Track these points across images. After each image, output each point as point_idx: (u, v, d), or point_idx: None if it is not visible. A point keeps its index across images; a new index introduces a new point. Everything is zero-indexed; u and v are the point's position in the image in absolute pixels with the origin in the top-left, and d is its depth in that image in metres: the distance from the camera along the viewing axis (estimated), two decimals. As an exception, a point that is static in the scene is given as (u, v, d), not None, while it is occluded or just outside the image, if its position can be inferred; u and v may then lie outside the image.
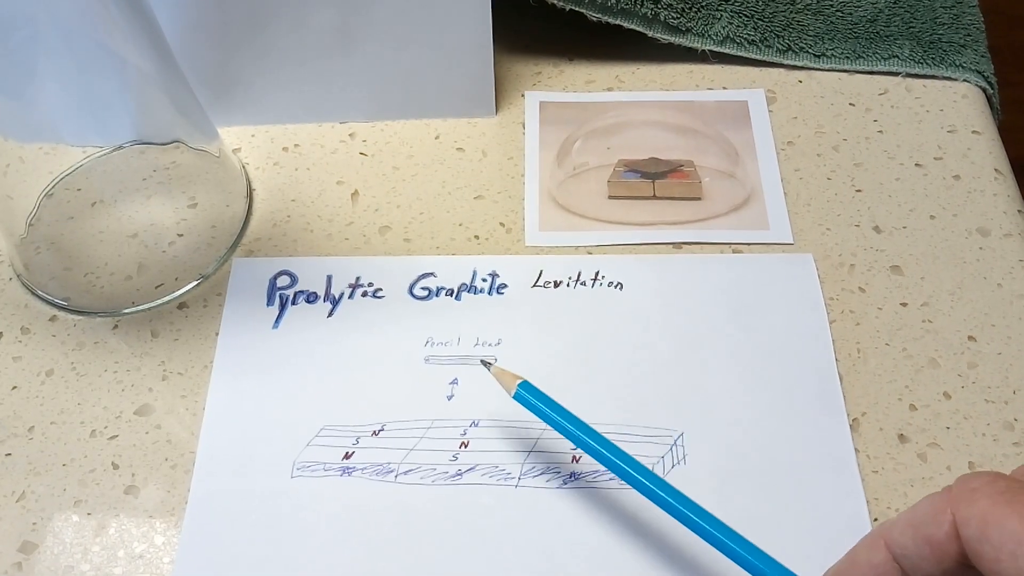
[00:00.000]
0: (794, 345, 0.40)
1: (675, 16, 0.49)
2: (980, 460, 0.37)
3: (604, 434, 0.38)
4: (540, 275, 0.43)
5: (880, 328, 0.40)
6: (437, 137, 0.48)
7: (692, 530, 0.31)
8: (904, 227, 0.44)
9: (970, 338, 0.40)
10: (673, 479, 0.36)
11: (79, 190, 0.45)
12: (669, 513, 0.32)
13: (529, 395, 0.34)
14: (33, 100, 0.39)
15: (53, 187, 0.44)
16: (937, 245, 0.43)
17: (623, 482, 0.33)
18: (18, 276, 0.43)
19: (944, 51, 0.49)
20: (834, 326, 0.40)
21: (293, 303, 0.42)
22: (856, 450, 0.37)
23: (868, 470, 0.36)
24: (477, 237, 0.44)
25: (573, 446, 0.34)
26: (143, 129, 0.44)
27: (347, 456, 0.37)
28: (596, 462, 0.33)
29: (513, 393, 0.35)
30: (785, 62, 0.50)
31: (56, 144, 0.44)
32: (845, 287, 0.42)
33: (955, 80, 0.49)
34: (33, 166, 0.44)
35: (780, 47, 0.50)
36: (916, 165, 0.46)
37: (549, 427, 0.34)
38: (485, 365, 0.37)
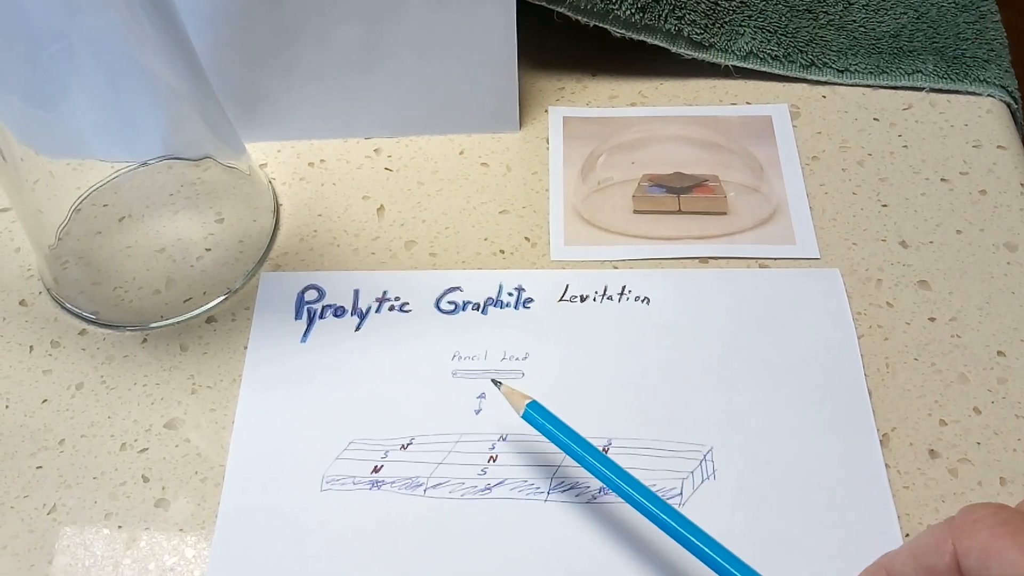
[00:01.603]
0: (822, 360, 0.40)
1: (699, 32, 0.49)
2: (1011, 476, 0.36)
3: (632, 449, 0.38)
4: (566, 290, 0.43)
5: (909, 343, 0.40)
6: (461, 152, 0.48)
7: (699, 558, 0.31)
8: (931, 242, 0.44)
9: (999, 353, 0.40)
10: (703, 495, 0.36)
11: (106, 205, 0.45)
12: (675, 539, 0.31)
13: (538, 415, 0.34)
14: (64, 114, 0.39)
15: (82, 202, 0.45)
16: (964, 260, 0.43)
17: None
18: (48, 290, 0.44)
19: (968, 66, 0.49)
20: (862, 341, 0.40)
21: (321, 317, 0.42)
22: (886, 466, 0.37)
23: (899, 486, 0.36)
24: (502, 251, 0.44)
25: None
26: (173, 145, 0.44)
27: (376, 470, 0.37)
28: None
29: (522, 413, 0.35)
30: (809, 77, 0.50)
31: (85, 159, 0.44)
32: (873, 302, 0.42)
33: (979, 95, 0.49)
34: (62, 181, 0.44)
35: (803, 62, 0.50)
36: (942, 180, 0.46)
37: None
38: (496, 384, 0.36)
